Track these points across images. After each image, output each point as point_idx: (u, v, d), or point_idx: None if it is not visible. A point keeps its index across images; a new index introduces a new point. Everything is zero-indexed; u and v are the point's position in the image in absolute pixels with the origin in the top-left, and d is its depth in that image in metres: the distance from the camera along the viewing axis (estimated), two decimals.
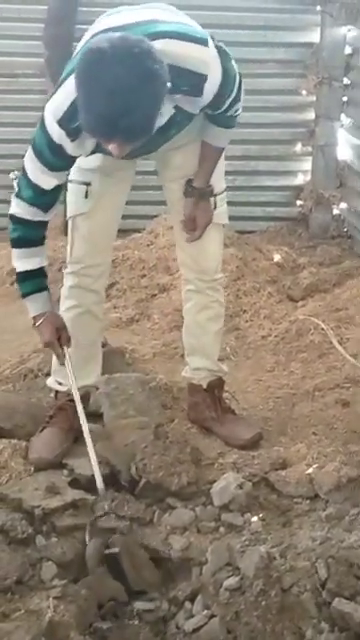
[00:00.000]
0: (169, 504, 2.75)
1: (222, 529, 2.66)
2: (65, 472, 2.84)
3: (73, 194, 2.88)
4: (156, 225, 4.91)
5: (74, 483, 2.80)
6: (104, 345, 3.48)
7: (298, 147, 5.37)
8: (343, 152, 5.25)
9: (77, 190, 2.85)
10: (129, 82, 2.16)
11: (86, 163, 2.74)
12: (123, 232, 4.39)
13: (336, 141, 5.25)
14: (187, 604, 2.47)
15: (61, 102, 2.45)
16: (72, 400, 2.89)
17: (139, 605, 2.47)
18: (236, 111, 2.76)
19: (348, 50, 5.14)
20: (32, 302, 2.80)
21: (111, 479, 2.84)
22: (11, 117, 5.36)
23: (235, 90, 2.66)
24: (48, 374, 3.21)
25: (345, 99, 5.19)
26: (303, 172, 5.39)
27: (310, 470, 2.87)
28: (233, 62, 2.62)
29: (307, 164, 5.36)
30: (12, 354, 3.69)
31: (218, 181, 2.96)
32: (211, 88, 2.54)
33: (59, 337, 2.83)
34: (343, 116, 5.21)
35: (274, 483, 2.86)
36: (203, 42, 2.50)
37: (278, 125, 5.35)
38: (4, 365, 3.59)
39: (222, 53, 2.56)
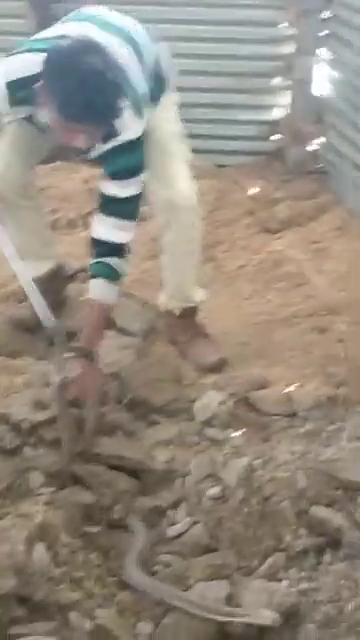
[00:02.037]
0: (153, 419, 2.84)
1: (205, 443, 2.76)
2: None
3: None
4: None
5: None
6: (85, 270, 3.52)
7: (275, 81, 5.36)
8: (321, 87, 5.25)
9: None
10: (99, 67, 2.41)
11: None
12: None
13: (314, 76, 5.25)
14: (170, 512, 2.57)
15: (18, 69, 2.60)
16: None
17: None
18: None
19: None
20: None
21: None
22: None
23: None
24: None
25: (325, 33, 5.18)
26: (280, 106, 5.38)
27: (289, 389, 2.97)
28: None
29: (284, 98, 5.35)
30: None
31: (176, 122, 3.16)
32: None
33: None
34: (323, 50, 5.20)
35: (254, 402, 2.96)
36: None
37: (255, 58, 5.31)
38: None
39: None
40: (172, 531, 2.50)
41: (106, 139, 2.63)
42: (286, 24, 5.22)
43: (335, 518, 2.45)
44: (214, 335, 3.41)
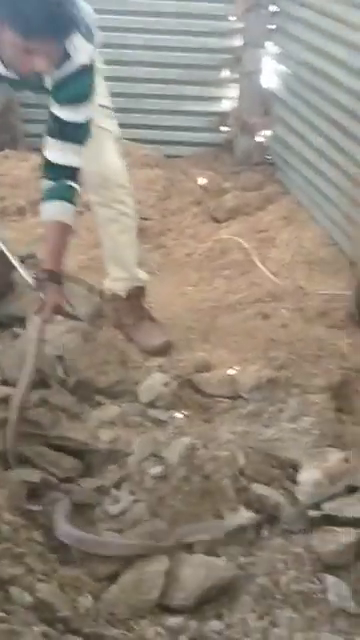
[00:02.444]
0: (97, 401, 2.87)
1: (148, 424, 2.80)
2: None
3: None
4: None
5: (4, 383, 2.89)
6: (33, 257, 3.54)
7: (224, 73, 5.42)
8: (269, 80, 5.33)
9: None
10: None
11: None
12: None
13: (262, 69, 5.32)
14: (113, 491, 2.60)
15: None
16: None
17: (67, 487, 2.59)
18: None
19: None
20: None
21: (42, 384, 2.93)
22: None
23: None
24: None
25: (272, 27, 5.25)
26: (229, 98, 5.44)
27: (232, 372, 3.02)
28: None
29: (233, 91, 5.42)
30: None
31: (105, 97, 3.19)
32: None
33: None
34: (270, 44, 5.27)
35: (197, 384, 3.01)
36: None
37: (204, 50, 5.36)
38: None
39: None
40: (114, 509, 2.53)
41: (60, 64, 2.63)
42: (234, 17, 5.27)
43: (273, 495, 2.52)
44: (160, 320, 3.46)
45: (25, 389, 2.68)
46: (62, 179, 2.80)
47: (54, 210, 2.82)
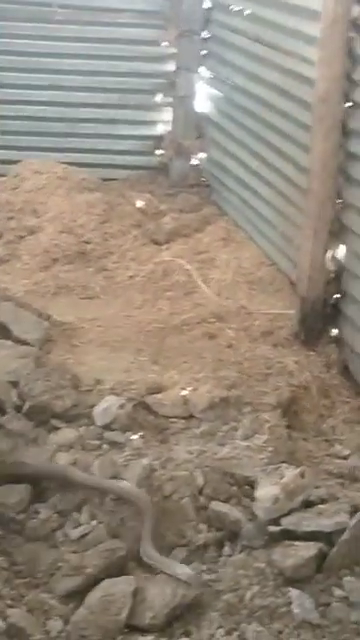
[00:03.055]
0: (54, 425, 2.89)
1: (105, 446, 2.84)
2: None
3: None
4: (22, 169, 4.95)
5: None
6: None
7: (158, 97, 5.51)
8: (202, 104, 5.44)
9: None
10: None
11: None
12: None
13: (195, 93, 5.43)
14: (74, 514, 2.62)
15: None
16: None
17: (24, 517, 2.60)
18: None
19: (207, 4, 5.31)
20: None
21: None
22: None
23: None
24: None
25: (204, 52, 5.37)
26: (163, 122, 5.53)
27: (184, 392, 3.09)
28: None
29: (167, 114, 5.51)
30: None
31: None
32: None
33: None
34: (202, 69, 5.39)
35: (151, 405, 3.06)
36: None
37: (138, 75, 5.45)
38: None
39: None
40: (75, 533, 2.55)
41: None
42: (167, 43, 5.38)
43: (233, 512, 2.58)
44: (109, 343, 3.50)
45: None
46: None
47: None
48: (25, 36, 5.20)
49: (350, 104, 3.51)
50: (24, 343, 3.30)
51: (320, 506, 2.57)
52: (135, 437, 2.87)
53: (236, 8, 4.86)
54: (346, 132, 3.52)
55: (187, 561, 2.46)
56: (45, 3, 5.11)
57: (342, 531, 2.44)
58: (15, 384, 2.99)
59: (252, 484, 2.67)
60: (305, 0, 3.88)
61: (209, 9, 5.32)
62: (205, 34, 5.37)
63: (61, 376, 3.05)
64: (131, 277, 4.29)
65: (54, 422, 2.90)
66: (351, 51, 3.45)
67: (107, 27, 5.34)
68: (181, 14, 5.33)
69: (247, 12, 4.70)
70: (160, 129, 5.54)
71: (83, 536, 2.54)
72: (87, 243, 4.43)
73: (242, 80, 4.78)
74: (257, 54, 4.56)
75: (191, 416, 3.04)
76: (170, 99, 5.49)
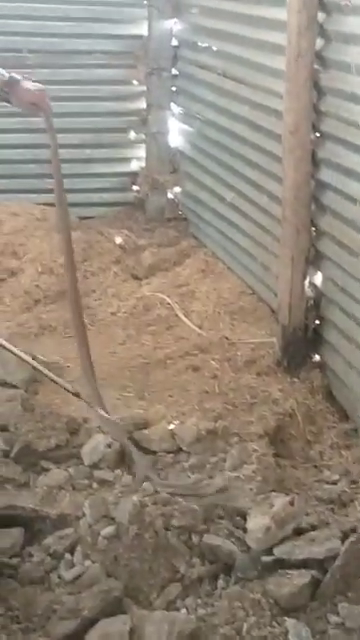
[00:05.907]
0: (42, 467, 2.90)
1: (95, 485, 2.85)
2: None
3: None
4: None
5: None
6: None
7: (131, 135, 5.59)
8: (175, 139, 5.52)
9: None
10: None
11: None
12: None
13: (168, 129, 5.52)
14: (67, 555, 2.63)
15: None
16: None
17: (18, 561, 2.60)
18: None
19: (175, 42, 5.41)
20: None
21: None
22: None
23: None
24: None
25: (174, 89, 5.47)
26: (137, 159, 5.60)
27: (171, 426, 3.11)
28: None
29: (141, 151, 5.58)
30: None
31: None
32: None
33: None
34: (173, 105, 5.48)
35: (139, 441, 3.07)
36: None
37: (111, 114, 5.52)
38: None
39: None
40: (69, 574, 2.55)
41: None
42: (137, 82, 5.46)
43: (226, 544, 2.59)
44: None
45: None
46: None
47: None
48: None
49: (318, 135, 3.59)
50: (10, 386, 3.32)
51: (311, 533, 2.59)
52: (124, 474, 2.89)
53: (203, 45, 4.96)
54: (316, 162, 3.59)
55: (182, 596, 2.47)
56: (16, 49, 5.17)
57: (334, 557, 2.46)
58: (2, 428, 3.00)
59: (243, 515, 2.69)
60: (270, 35, 3.96)
61: (177, 46, 5.41)
62: (174, 71, 5.46)
63: (47, 417, 3.07)
64: (113, 314, 4.32)
65: (43, 463, 2.91)
66: (317, 83, 3.53)
67: (78, 69, 5.41)
68: (150, 52, 5.42)
69: (214, 49, 4.80)
70: (135, 165, 5.61)
71: (78, 577, 2.55)
72: None
73: (213, 115, 4.86)
74: (226, 89, 4.64)
75: (179, 449, 3.06)
76: (143, 136, 5.57)
